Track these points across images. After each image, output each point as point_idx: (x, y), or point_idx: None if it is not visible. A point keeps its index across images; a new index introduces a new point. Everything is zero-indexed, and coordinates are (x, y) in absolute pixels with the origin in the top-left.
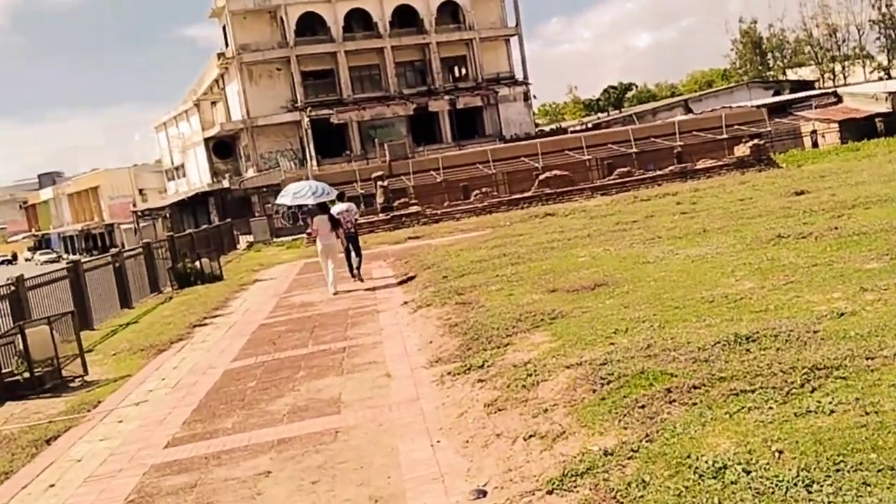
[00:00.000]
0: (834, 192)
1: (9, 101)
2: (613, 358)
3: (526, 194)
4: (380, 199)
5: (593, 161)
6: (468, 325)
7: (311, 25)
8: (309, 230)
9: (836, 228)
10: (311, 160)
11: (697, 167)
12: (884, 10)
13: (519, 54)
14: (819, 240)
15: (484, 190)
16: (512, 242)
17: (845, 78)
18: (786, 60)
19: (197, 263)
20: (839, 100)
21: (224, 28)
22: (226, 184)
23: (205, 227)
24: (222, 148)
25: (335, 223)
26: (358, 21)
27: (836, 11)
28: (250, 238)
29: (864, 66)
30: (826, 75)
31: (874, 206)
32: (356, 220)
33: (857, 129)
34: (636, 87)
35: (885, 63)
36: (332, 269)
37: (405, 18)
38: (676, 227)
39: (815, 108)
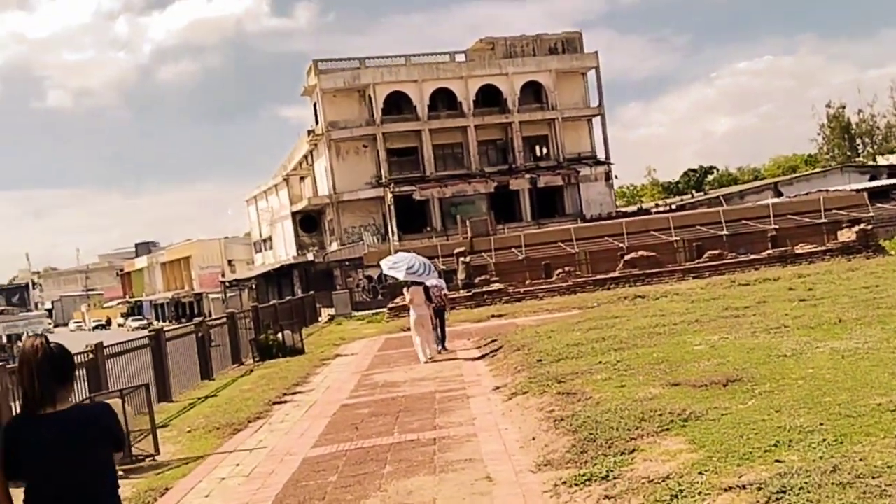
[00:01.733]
0: None
1: (113, 174)
2: (792, 483)
3: (611, 275)
4: (461, 276)
5: (680, 242)
6: (578, 422)
7: (397, 104)
8: (399, 299)
9: None
10: (392, 235)
11: (797, 252)
12: None
13: (601, 134)
14: None
15: (567, 269)
16: (608, 325)
17: None
18: (876, 146)
19: (279, 335)
20: None
21: (315, 105)
22: (310, 257)
23: (288, 298)
24: (308, 222)
25: (429, 294)
26: (443, 100)
27: None
28: (332, 311)
29: None
30: None
31: None
32: (445, 294)
33: None
34: (717, 170)
35: None
36: (424, 338)
37: (489, 98)
38: (803, 316)
39: None
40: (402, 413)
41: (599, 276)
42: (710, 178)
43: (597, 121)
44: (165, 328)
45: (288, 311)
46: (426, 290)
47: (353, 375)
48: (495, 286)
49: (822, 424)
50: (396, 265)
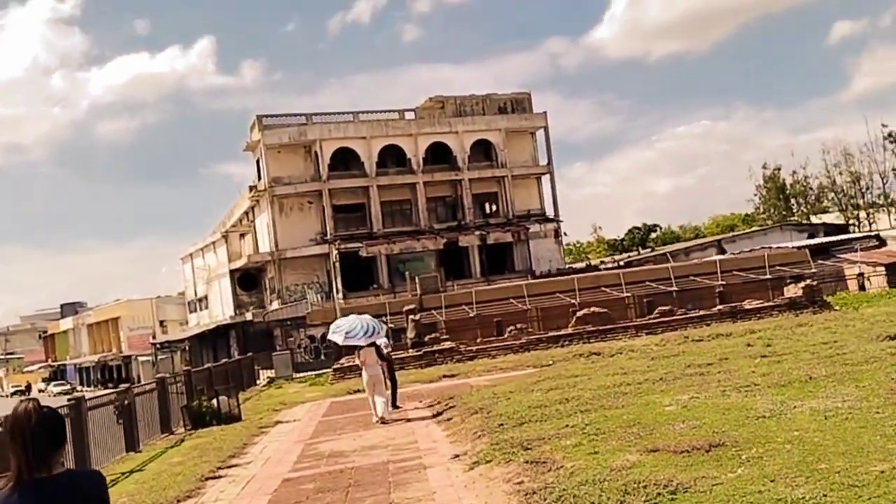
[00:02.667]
0: None
1: (41, 232)
2: None
3: (565, 331)
4: (410, 334)
5: (631, 298)
6: (553, 496)
7: (344, 160)
8: (345, 359)
9: None
10: (337, 293)
11: (746, 307)
12: None
13: (550, 192)
14: None
15: (519, 326)
16: (569, 385)
17: (870, 224)
18: (810, 206)
19: (214, 401)
20: (882, 243)
21: (258, 161)
22: (249, 316)
23: (224, 360)
24: (247, 280)
25: (381, 354)
26: (392, 157)
27: (859, 160)
28: (271, 373)
29: (888, 213)
30: (851, 221)
31: None
32: (389, 352)
33: None
34: (660, 227)
35: None
36: (379, 398)
37: (438, 155)
38: (771, 373)
39: (860, 250)
40: (353, 488)
41: (552, 333)
42: (653, 235)
43: (546, 178)
44: (88, 394)
45: (223, 375)
46: (377, 349)
47: (295, 444)
48: (446, 344)
49: (825, 496)
50: (338, 329)
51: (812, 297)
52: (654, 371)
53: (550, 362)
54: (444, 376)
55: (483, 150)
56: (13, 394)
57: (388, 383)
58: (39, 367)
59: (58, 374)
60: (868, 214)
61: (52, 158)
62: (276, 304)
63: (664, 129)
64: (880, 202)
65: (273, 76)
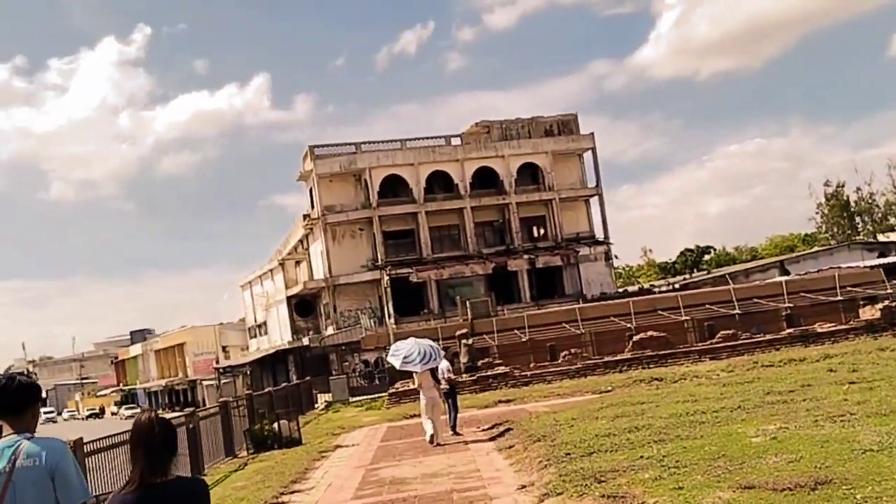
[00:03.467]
0: None
1: (111, 263)
2: None
3: (622, 356)
4: (464, 359)
5: (690, 322)
6: None
7: (393, 187)
8: (400, 384)
9: None
10: (389, 318)
11: (819, 331)
12: None
13: (599, 214)
14: None
15: (573, 351)
16: (636, 412)
17: None
18: (876, 224)
19: (275, 425)
20: None
21: (311, 191)
22: (305, 341)
23: (283, 384)
24: (303, 306)
25: (436, 377)
26: (439, 182)
27: None
28: (328, 397)
29: None
30: None
31: None
32: (452, 377)
33: None
34: (714, 249)
35: None
36: (434, 421)
37: (485, 180)
38: (867, 401)
39: None
40: None
41: (609, 358)
42: (707, 257)
43: (594, 201)
44: None
45: (283, 398)
46: (433, 372)
47: (356, 470)
48: (500, 369)
49: None
50: (396, 352)
51: (892, 318)
52: (728, 399)
53: (610, 388)
54: (500, 402)
55: (530, 174)
56: (88, 416)
57: (448, 407)
58: (112, 391)
59: (129, 398)
60: None
61: (120, 193)
62: (330, 330)
63: (715, 148)
64: None
65: (325, 109)
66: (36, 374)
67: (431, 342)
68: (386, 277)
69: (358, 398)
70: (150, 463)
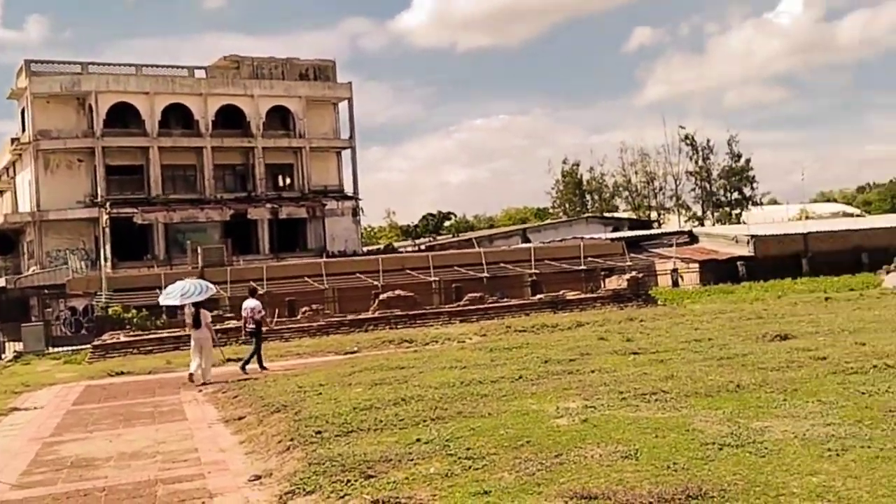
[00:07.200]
0: (822, 338)
1: None
2: None
3: (368, 315)
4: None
5: (438, 283)
6: None
7: (122, 117)
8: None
9: None
10: (106, 262)
11: (568, 298)
12: (700, 163)
13: (350, 168)
14: None
15: (315, 307)
16: (398, 379)
17: (660, 225)
18: (604, 203)
19: None
20: (694, 240)
21: (22, 111)
22: (2, 282)
23: None
24: (3, 242)
25: (198, 317)
26: (177, 117)
27: (655, 161)
28: (20, 346)
29: (678, 215)
30: (642, 220)
31: None
32: (260, 316)
33: (717, 271)
34: (454, 216)
35: (699, 213)
36: (201, 361)
37: (230, 119)
38: (674, 377)
39: (676, 246)
40: None
41: (353, 317)
42: (447, 223)
43: (346, 154)
44: None
45: None
46: (196, 315)
47: (29, 444)
48: (231, 323)
49: None
50: (170, 293)
51: (637, 289)
52: (502, 366)
53: (356, 349)
54: (230, 360)
55: (280, 118)
56: None
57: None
58: None
59: None
60: (659, 214)
61: None
62: (33, 270)
63: (463, 120)
64: (670, 204)
65: (61, 34)
66: None
67: (203, 280)
68: (105, 216)
69: (59, 349)
70: None
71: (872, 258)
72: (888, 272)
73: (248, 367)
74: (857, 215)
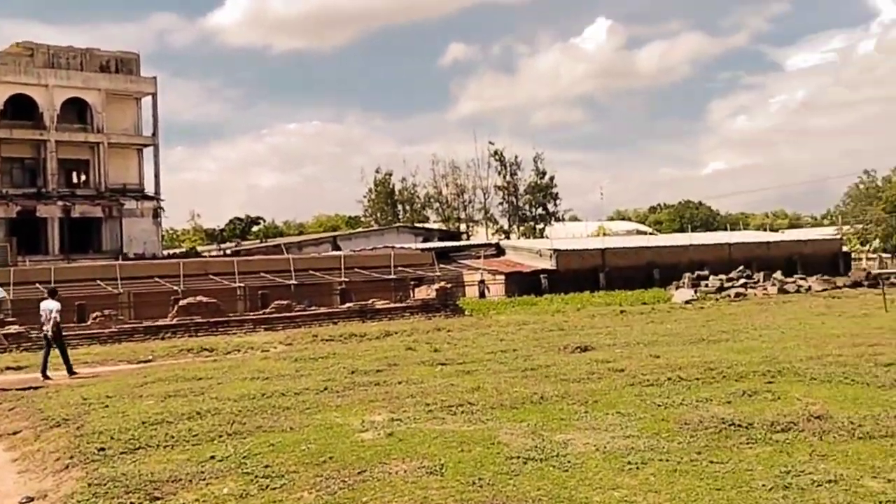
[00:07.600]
0: (619, 350)
1: None
2: None
3: (165, 322)
4: None
5: (243, 290)
6: None
7: None
8: None
9: (820, 418)
10: None
11: (377, 307)
12: (508, 178)
13: (153, 167)
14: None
15: (107, 312)
16: (195, 391)
17: (469, 237)
18: (415, 213)
19: None
20: (501, 252)
21: None
22: None
23: None
24: None
25: None
26: None
27: (465, 174)
28: None
29: (486, 228)
30: (452, 231)
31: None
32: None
33: (522, 283)
34: (263, 221)
35: (506, 227)
36: None
37: (20, 109)
38: (480, 389)
39: (483, 258)
40: None
41: (150, 323)
42: (255, 228)
43: (148, 152)
44: None
45: None
46: None
47: None
48: (13, 328)
49: None
50: None
51: (445, 300)
52: (307, 377)
53: (150, 357)
54: (9, 368)
55: (77, 111)
56: None
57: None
58: None
59: None
60: (468, 227)
61: None
62: None
63: (275, 123)
64: (479, 216)
65: None
66: None
67: None
68: None
69: None
70: None
71: (663, 274)
72: (677, 287)
73: (72, 373)
74: (650, 233)
